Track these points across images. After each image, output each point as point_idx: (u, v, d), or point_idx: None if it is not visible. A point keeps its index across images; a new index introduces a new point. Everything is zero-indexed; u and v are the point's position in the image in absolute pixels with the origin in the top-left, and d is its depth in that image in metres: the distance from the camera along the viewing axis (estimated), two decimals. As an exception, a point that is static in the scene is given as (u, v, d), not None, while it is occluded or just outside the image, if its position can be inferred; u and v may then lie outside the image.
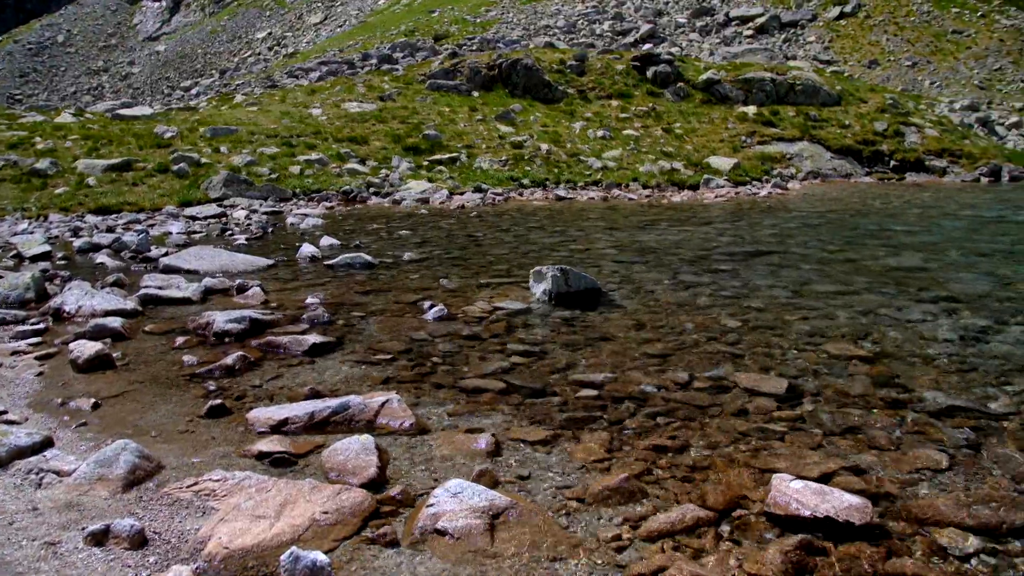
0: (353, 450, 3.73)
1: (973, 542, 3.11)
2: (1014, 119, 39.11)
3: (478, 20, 55.19)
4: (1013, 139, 33.55)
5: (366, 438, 3.84)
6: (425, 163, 19.69)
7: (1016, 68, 48.56)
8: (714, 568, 2.91)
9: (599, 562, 2.95)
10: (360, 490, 3.41)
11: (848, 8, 55.51)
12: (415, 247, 10.45)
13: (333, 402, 4.35)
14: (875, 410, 4.54)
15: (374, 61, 41.35)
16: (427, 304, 6.91)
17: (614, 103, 26.15)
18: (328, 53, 51.47)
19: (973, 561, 2.99)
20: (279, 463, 3.77)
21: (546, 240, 11.13)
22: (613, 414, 4.46)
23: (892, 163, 24.36)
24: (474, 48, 44.04)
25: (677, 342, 5.91)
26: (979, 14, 54.23)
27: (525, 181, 18.78)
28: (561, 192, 17.96)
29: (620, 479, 3.56)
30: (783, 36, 54.41)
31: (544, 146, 21.38)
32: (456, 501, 3.20)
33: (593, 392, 4.81)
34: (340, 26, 69.01)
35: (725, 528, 3.23)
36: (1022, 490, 3.56)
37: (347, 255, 9.21)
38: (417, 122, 22.44)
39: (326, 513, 3.19)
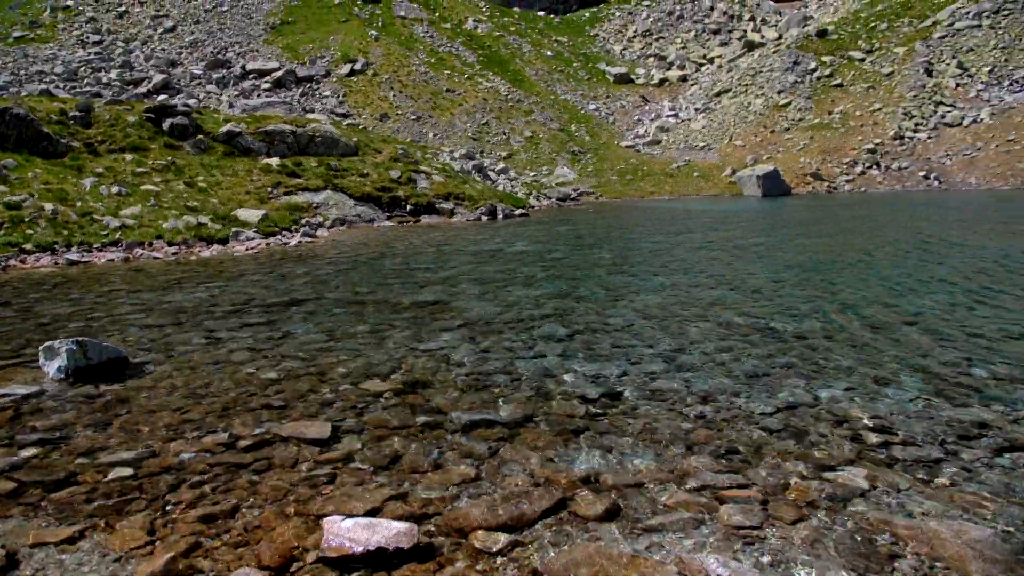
0: None
1: (502, 538, 3.52)
2: (501, 165, 45.72)
3: (-54, 61, 47.19)
4: (503, 182, 39.13)
5: None
6: None
7: (499, 123, 56.86)
8: (273, 629, 2.85)
9: (145, 660, 2.68)
10: None
11: (358, 66, 59.61)
12: None
13: None
14: (413, 436, 4.88)
15: None
16: None
17: (128, 157, 24.28)
18: None
19: (502, 556, 3.39)
20: None
21: (59, 311, 9.84)
22: (152, 491, 4.12)
23: (408, 207, 26.60)
24: (-58, 94, 37.48)
25: (216, 402, 5.67)
26: (466, 76, 62.39)
27: (28, 246, 16.41)
28: (74, 256, 16.08)
29: (165, 561, 3.31)
30: (300, 90, 56.30)
31: (48, 206, 18.94)
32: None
33: (127, 471, 4.38)
34: None
35: (283, 584, 3.18)
36: (535, 483, 4.14)
37: None
38: None
39: None
